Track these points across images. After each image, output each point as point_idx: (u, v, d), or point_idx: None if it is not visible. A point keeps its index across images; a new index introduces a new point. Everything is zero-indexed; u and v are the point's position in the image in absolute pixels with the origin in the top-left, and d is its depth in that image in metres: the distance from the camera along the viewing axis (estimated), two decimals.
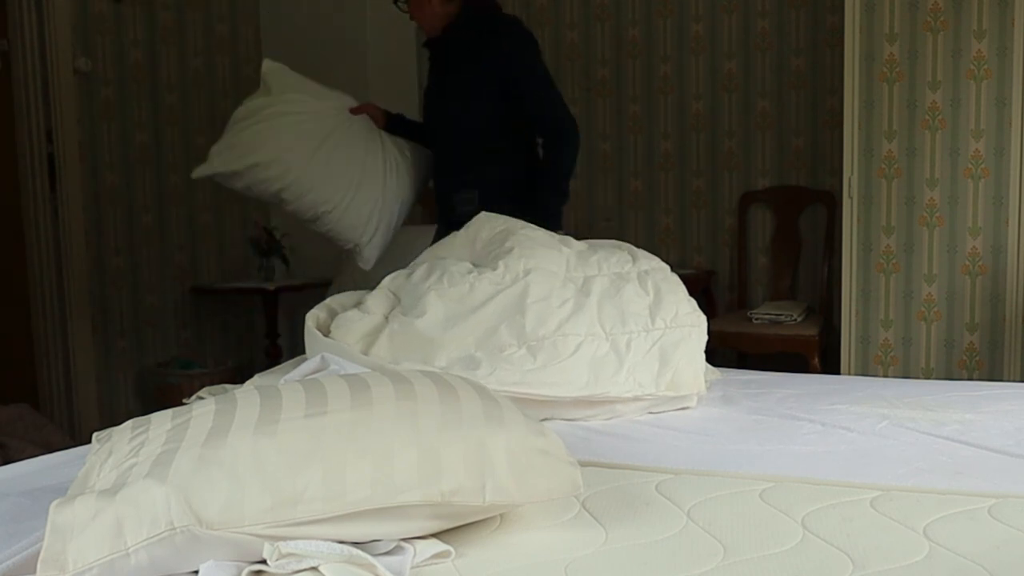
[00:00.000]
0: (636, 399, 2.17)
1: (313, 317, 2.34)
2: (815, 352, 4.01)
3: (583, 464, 1.78)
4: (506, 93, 3.14)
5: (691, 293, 2.42)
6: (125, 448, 1.43)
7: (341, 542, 1.30)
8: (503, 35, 3.16)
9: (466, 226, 2.57)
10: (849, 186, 3.72)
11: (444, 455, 1.36)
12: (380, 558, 1.29)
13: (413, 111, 5.17)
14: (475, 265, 2.36)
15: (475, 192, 3.17)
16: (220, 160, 3.11)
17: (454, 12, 3.16)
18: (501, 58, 3.12)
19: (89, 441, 1.64)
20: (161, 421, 1.49)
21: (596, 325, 2.22)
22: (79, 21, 4.23)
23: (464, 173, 3.23)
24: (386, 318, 2.29)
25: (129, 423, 1.57)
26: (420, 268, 2.39)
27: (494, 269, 2.29)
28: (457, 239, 2.53)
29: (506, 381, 2.07)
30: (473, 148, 3.20)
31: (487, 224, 2.53)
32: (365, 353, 2.18)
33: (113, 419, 4.37)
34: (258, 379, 2.25)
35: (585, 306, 2.24)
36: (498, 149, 3.20)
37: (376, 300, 2.35)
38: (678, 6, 4.68)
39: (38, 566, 1.23)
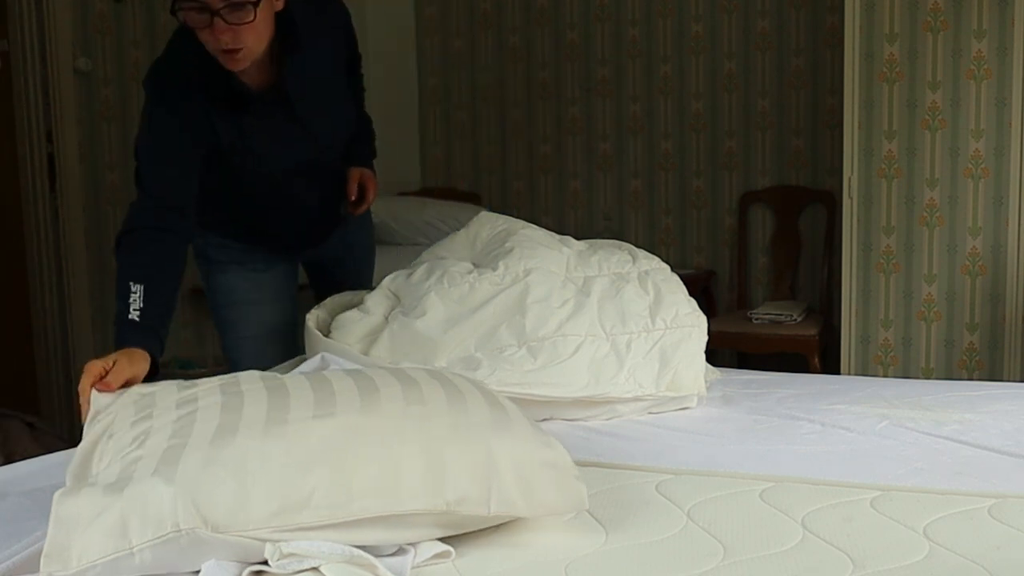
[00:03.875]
0: (636, 399, 2.17)
1: (313, 317, 2.34)
2: (815, 352, 4.01)
3: (583, 464, 1.78)
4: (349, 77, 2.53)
5: (691, 293, 2.42)
6: (128, 434, 1.43)
7: None
8: (331, 14, 2.39)
9: (467, 226, 2.57)
10: (849, 186, 3.72)
11: (450, 464, 1.36)
12: (381, 559, 1.29)
13: (412, 110, 5.20)
14: (475, 265, 2.36)
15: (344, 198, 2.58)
16: None
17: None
18: (341, 38, 2.43)
19: None
20: (166, 406, 1.49)
21: (596, 326, 2.21)
22: (79, 21, 4.23)
23: (341, 183, 2.55)
24: (386, 318, 2.29)
25: (131, 400, 1.56)
26: (420, 268, 2.38)
27: (494, 269, 2.29)
28: (457, 239, 2.53)
29: (506, 381, 2.07)
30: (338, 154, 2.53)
31: (487, 224, 2.53)
32: (365, 354, 2.18)
33: None
34: None
35: (585, 306, 2.24)
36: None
37: (376, 300, 2.34)
38: (678, 6, 4.68)
39: (41, 560, 1.23)
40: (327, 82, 2.36)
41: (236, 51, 2.04)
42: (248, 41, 2.04)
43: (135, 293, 1.98)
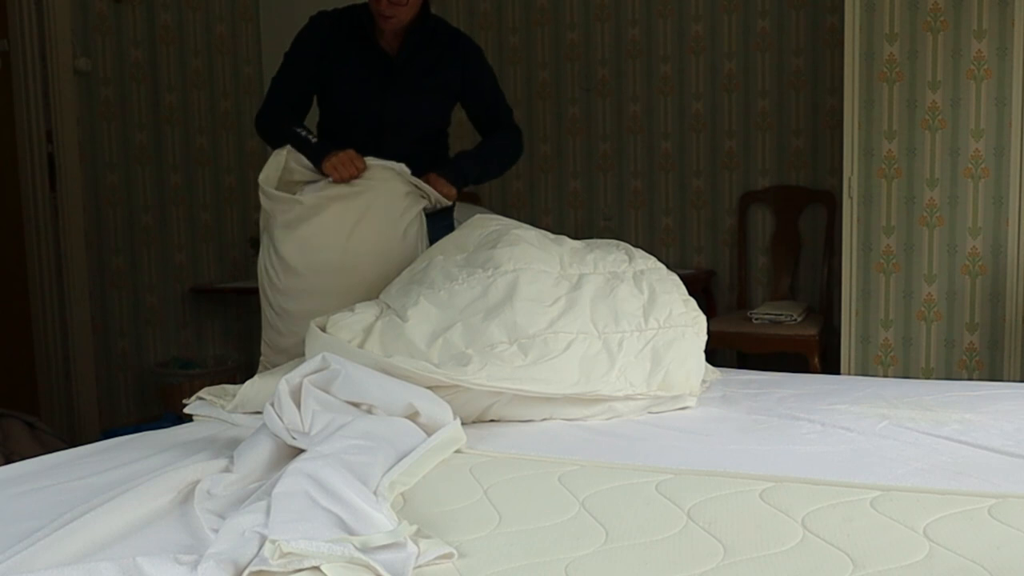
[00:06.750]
0: (629, 398, 2.17)
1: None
2: (815, 352, 4.02)
3: (583, 464, 1.78)
4: (462, 95, 3.01)
5: (691, 293, 2.42)
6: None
7: (351, 534, 1.30)
8: (463, 42, 2.98)
9: (460, 227, 2.58)
10: (849, 186, 3.72)
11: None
12: (382, 558, 1.29)
13: None
14: (467, 265, 2.37)
15: None
16: None
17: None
18: (461, 64, 2.96)
19: (88, 442, 1.64)
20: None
21: (588, 324, 2.22)
22: (79, 21, 4.23)
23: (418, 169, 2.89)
24: (377, 317, 2.30)
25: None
26: (406, 271, 2.41)
27: (484, 269, 2.30)
28: (450, 240, 2.54)
29: (496, 376, 2.07)
30: (427, 146, 2.98)
31: (480, 226, 2.54)
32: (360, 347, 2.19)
33: (113, 419, 4.37)
34: (258, 379, 2.26)
35: (578, 304, 2.24)
36: (440, 149, 3.04)
37: (366, 305, 2.36)
38: (678, 6, 4.68)
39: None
40: (428, 79, 2.90)
41: (391, 17, 2.79)
42: (400, 14, 2.79)
43: (302, 130, 2.81)
